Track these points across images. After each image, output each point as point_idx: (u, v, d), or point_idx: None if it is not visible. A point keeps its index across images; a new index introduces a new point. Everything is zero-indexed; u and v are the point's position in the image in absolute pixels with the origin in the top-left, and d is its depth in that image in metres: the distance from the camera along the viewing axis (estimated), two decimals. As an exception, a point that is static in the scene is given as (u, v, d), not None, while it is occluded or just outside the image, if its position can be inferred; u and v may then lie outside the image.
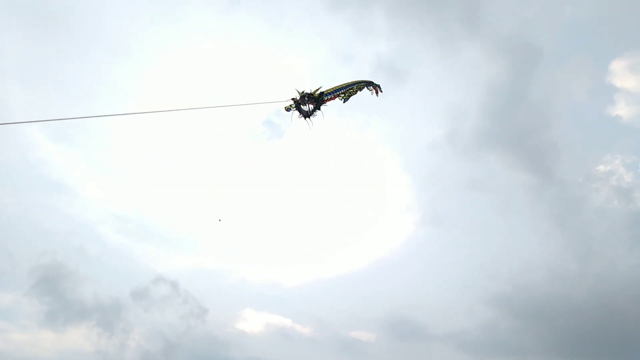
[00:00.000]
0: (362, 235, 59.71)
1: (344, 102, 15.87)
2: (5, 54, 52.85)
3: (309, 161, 60.03)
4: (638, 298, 43.22)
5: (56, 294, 46.92)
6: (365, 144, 60.37)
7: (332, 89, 15.70)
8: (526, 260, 51.93)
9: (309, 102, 14.95)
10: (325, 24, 58.68)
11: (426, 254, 56.47)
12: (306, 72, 59.59)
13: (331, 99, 15.51)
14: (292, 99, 14.85)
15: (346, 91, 16.18)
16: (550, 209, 53.25)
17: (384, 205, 61.08)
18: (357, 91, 16.49)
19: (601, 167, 55.47)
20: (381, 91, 17.32)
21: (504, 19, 58.98)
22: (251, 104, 13.41)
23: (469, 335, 49.79)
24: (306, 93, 14.90)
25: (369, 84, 17.28)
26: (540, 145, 55.58)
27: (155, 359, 47.16)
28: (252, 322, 55.10)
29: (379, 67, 57.29)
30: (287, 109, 14.93)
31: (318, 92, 15.06)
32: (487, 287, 50.70)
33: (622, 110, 57.06)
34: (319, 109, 15.09)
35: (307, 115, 14.96)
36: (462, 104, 58.30)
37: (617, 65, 58.07)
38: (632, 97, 56.80)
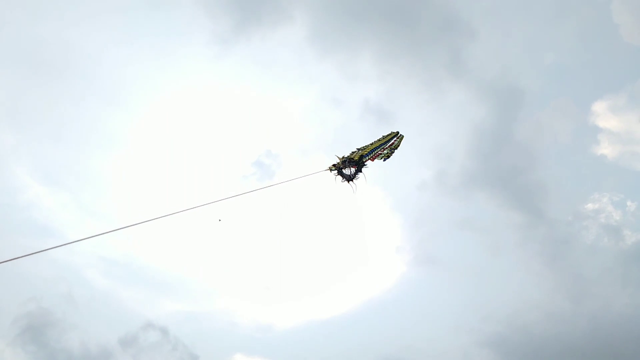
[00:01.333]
0: (353, 276, 58.85)
1: (384, 160, 16.16)
2: (-1, 97, 53.25)
3: (300, 201, 58.73)
4: (633, 337, 43.27)
5: (41, 343, 44.79)
6: (355, 185, 59.03)
7: (369, 147, 15.96)
8: (519, 301, 51.61)
9: (350, 166, 15.13)
10: (314, 69, 59.89)
11: (418, 295, 55.97)
12: (297, 115, 60.86)
13: (371, 159, 15.75)
14: (333, 164, 15.03)
15: (382, 149, 16.46)
16: (540, 248, 53.45)
17: (375, 246, 60.41)
18: (394, 149, 16.73)
19: (589, 206, 56.26)
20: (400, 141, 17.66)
21: (488, 63, 61.06)
22: (292, 180, 13.53)
23: (464, 379, 48.79)
24: (347, 157, 15.06)
25: (398, 136, 17.56)
26: (528, 184, 56.19)
27: (145, 409, 45.16)
28: (244, 368, 53.92)
29: (367, 110, 58.37)
30: (331, 170, 15.11)
31: (358, 155, 15.29)
32: (481, 328, 50.39)
33: (606, 149, 58.45)
34: (361, 171, 15.23)
35: (349, 179, 15.07)
36: (450, 146, 59.16)
37: (599, 107, 60.02)
38: (614, 136, 58.54)
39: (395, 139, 17.26)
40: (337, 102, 58.92)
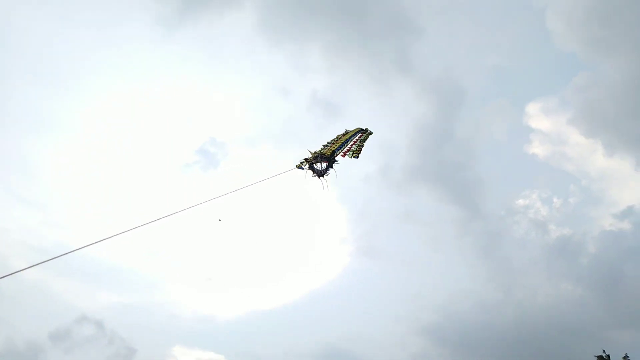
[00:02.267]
0: (297, 267, 60.02)
1: (356, 157, 16.01)
2: None
3: (245, 192, 58.30)
4: (555, 324, 46.04)
5: None
6: (300, 176, 59.54)
7: (337, 143, 15.76)
8: (455, 290, 53.91)
9: (321, 161, 14.77)
10: (263, 59, 59.82)
11: (361, 285, 56.98)
12: (244, 104, 60.94)
13: (342, 154, 15.60)
14: (305, 159, 14.71)
15: (354, 143, 16.39)
16: (476, 240, 56.02)
17: (320, 237, 61.12)
18: (362, 145, 16.66)
19: (520, 201, 59.22)
20: (369, 136, 17.65)
21: (433, 61, 64.10)
22: (264, 180, 13.09)
23: (401, 366, 49.44)
24: (318, 153, 14.76)
25: (365, 133, 17.59)
26: (467, 180, 58.25)
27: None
28: (183, 360, 52.04)
29: (315, 102, 58.88)
30: (299, 167, 14.72)
31: (330, 150, 15.03)
32: (419, 317, 52.55)
33: (537, 148, 61.99)
34: (332, 167, 14.90)
35: (320, 174, 14.74)
36: (394, 140, 60.44)
37: (532, 108, 63.85)
38: (545, 137, 62.18)
39: (361, 134, 17.24)
40: (286, 92, 58.43)
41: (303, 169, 14.57)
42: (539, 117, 63.88)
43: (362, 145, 16.63)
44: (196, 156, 59.85)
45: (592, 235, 57.81)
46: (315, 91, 59.09)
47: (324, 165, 14.67)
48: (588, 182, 61.48)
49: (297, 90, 60.70)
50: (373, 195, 59.84)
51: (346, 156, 15.52)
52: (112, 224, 51.76)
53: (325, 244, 62.04)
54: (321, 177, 14.59)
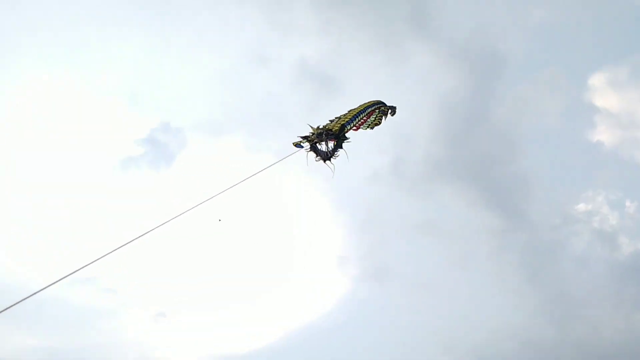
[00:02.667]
0: (279, 297, 48.90)
1: (371, 129, 14.97)
2: None
3: (209, 197, 48.23)
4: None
5: None
6: (284, 176, 49.30)
7: (350, 114, 14.02)
8: (492, 326, 46.34)
9: (327, 139, 13.15)
10: (232, 15, 50.07)
11: (365, 318, 48.96)
12: (207, 77, 50.74)
13: (354, 129, 14.08)
14: (305, 137, 13.09)
15: (368, 116, 14.80)
16: (520, 258, 48.38)
17: (311, 256, 51.11)
18: (380, 119, 15.16)
19: (581, 206, 51.58)
20: (393, 114, 15.74)
21: (461, 20, 53.53)
22: (262, 170, 11.77)
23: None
24: (323, 129, 13.16)
25: (383, 107, 15.53)
26: (506, 178, 50.74)
27: None
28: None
29: (304, 74, 49.82)
30: (297, 145, 13.18)
31: (338, 124, 13.33)
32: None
33: (603, 134, 52.45)
34: (341, 147, 13.33)
35: (326, 157, 13.11)
36: (410, 125, 50.26)
37: (597, 80, 53.05)
38: (615, 118, 52.30)
39: (381, 106, 15.36)
40: (264, 61, 49.73)
41: (302, 147, 13.20)
42: (606, 93, 52.94)
43: (382, 117, 15.07)
44: (142, 147, 49.14)
45: (677, 249, 50.08)
46: (304, 59, 49.77)
47: (331, 144, 13.33)
48: (671, 180, 53.38)
49: (278, 58, 50.86)
50: (382, 198, 50.91)
51: (360, 129, 14.46)
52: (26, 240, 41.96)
53: (317, 266, 53.13)
54: (327, 161, 13.24)
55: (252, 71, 50.43)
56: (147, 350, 45.22)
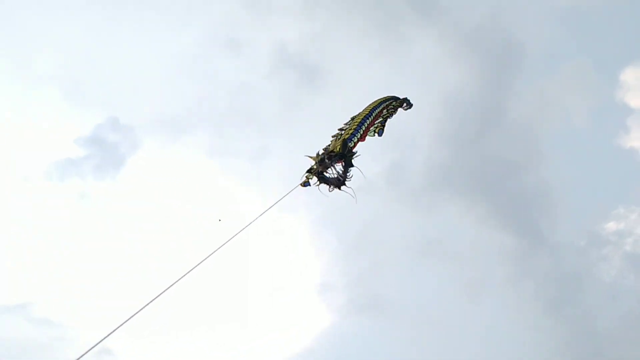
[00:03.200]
0: (249, 334, 42.49)
1: (379, 135, 14.77)
2: None
3: (165, 213, 43.29)
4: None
5: None
6: (257, 185, 44.31)
7: (353, 125, 13.84)
8: None
9: (333, 163, 12.73)
10: None
11: (353, 357, 44.63)
12: (163, 67, 45.35)
13: (361, 140, 13.82)
14: (308, 170, 12.69)
15: (373, 121, 14.57)
16: (540, 287, 44.18)
17: (288, 284, 45.13)
18: (387, 118, 14.97)
19: (611, 225, 47.13)
20: (410, 107, 15.75)
21: (473, 2, 49.00)
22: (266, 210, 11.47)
23: None
24: (324, 154, 12.75)
25: (393, 102, 15.30)
26: (524, 190, 46.54)
27: None
28: None
29: (284, 62, 45.06)
30: (305, 184, 12.80)
31: (340, 142, 13.03)
32: None
33: (638, 140, 46.79)
34: (352, 165, 12.88)
35: (339, 183, 12.62)
36: (411, 126, 44.11)
37: (630, 76, 47.48)
38: None
39: (392, 101, 15.26)
40: (235, 46, 44.44)
41: (310, 185, 12.84)
42: None
43: (391, 113, 14.92)
44: (85, 148, 43.17)
45: None
46: (283, 45, 45.00)
47: (339, 166, 12.86)
48: None
49: (253, 43, 45.54)
50: (376, 214, 44.73)
51: (367, 137, 14.17)
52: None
53: (297, 294, 50.29)
54: (342, 187, 12.83)
55: (221, 57, 45.50)
56: None
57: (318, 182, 12.91)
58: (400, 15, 46.83)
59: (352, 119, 14.54)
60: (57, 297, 37.72)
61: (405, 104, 15.71)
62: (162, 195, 40.54)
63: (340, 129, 14.15)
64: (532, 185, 46.29)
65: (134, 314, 8.49)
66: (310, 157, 13.06)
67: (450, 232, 47.26)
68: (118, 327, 7.80)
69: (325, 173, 12.98)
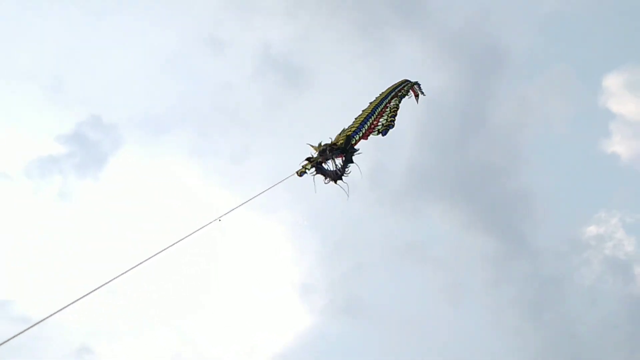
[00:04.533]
0: (225, 333, 42.20)
1: (383, 134, 14.01)
2: None
3: (147, 211, 42.73)
4: None
5: None
6: (239, 184, 43.99)
7: (357, 121, 13.57)
8: None
9: (333, 157, 12.52)
10: None
11: (335, 358, 43.94)
12: (147, 63, 45.35)
13: (364, 137, 13.36)
14: (308, 159, 12.40)
15: (379, 116, 14.00)
16: (520, 292, 44.01)
17: (267, 285, 44.72)
18: (395, 111, 14.33)
19: (592, 229, 47.04)
20: (422, 93, 15.49)
21: (455, 7, 48.72)
22: (265, 191, 11.35)
23: None
24: (326, 145, 12.59)
25: (405, 86, 14.97)
26: (506, 195, 46.36)
27: None
28: None
29: (267, 63, 44.76)
30: (301, 174, 12.43)
31: (343, 137, 12.90)
32: None
33: (620, 145, 47.73)
34: (352, 162, 12.67)
35: (336, 176, 12.38)
36: (393, 130, 45.37)
37: (612, 82, 48.03)
38: (632, 127, 47.51)
39: (401, 87, 14.92)
40: (219, 45, 43.91)
41: (307, 173, 12.50)
42: (623, 97, 47.98)
43: (395, 113, 14.19)
44: (67, 146, 42.02)
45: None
46: (267, 45, 44.70)
47: (338, 161, 12.66)
48: (697, 200, 52.28)
49: (236, 43, 45.00)
50: (357, 217, 44.02)
51: (371, 135, 13.66)
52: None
53: (278, 295, 49.80)
54: (338, 181, 12.64)
55: (204, 56, 45.06)
56: None
57: (315, 172, 12.81)
58: (384, 18, 46.51)
59: (356, 118, 14.48)
60: (37, 296, 35.81)
61: (414, 93, 15.23)
62: (144, 194, 39.81)
63: (344, 129, 14.07)
64: (513, 189, 45.87)
65: (89, 293, 8.17)
66: (312, 146, 13.01)
67: (431, 236, 46.91)
68: (67, 306, 7.50)
69: (323, 164, 12.86)
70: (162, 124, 43.62)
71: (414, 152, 46.00)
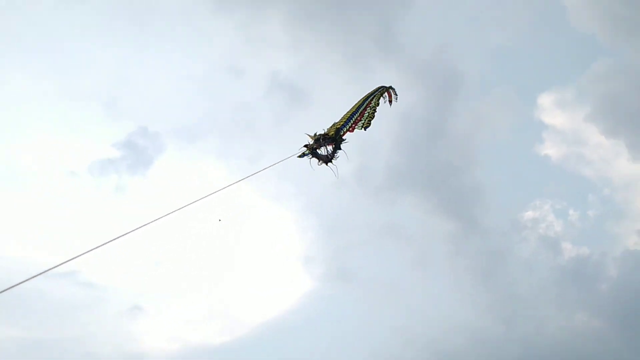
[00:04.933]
0: (247, 294, 49.67)
1: (365, 129, 14.48)
2: None
3: (183, 203, 47.47)
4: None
5: None
6: (253, 180, 49.32)
7: (344, 117, 14.25)
8: (447, 323, 47.08)
9: (326, 144, 13.61)
10: (206, 26, 49.12)
11: (330, 315, 49.25)
12: (182, 85, 50.13)
13: (350, 130, 14.12)
14: (305, 145, 13.58)
15: (361, 114, 14.55)
16: (473, 261, 49.53)
17: (278, 256, 51.88)
18: (374, 109, 14.77)
19: (529, 214, 52.50)
20: (395, 95, 15.45)
21: (423, 40, 54.43)
22: (263, 170, 11.96)
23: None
24: (320, 135, 13.61)
25: (381, 91, 15.31)
26: (463, 187, 51.59)
27: None
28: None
29: (275, 85, 49.63)
30: (301, 156, 13.66)
31: (334, 129, 13.75)
32: (403, 355, 45.09)
33: (550, 149, 54.48)
34: (340, 149, 13.75)
35: (327, 160, 13.58)
36: (374, 136, 50.60)
37: (545, 100, 55.46)
38: (560, 135, 54.56)
39: (385, 95, 15.12)
40: (237, 72, 49.17)
41: (306, 156, 13.72)
42: (553, 111, 54.83)
43: (372, 113, 14.57)
44: (121, 150, 47.24)
45: (614, 255, 49.99)
46: (275, 72, 49.15)
47: (330, 148, 13.75)
48: (610, 192, 52.80)
49: (251, 70, 50.00)
50: (347, 204, 51.89)
51: (355, 130, 14.21)
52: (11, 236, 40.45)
53: (285, 264, 53.22)
54: (329, 164, 13.73)
55: (227, 80, 49.98)
56: (123, 342, 44.30)
57: (310, 156, 13.72)
58: (367, 50, 50.17)
59: (343, 116, 14.80)
60: (98, 266, 39.41)
61: (389, 95, 15.26)
62: (182, 188, 43.33)
63: (334, 123, 14.43)
64: (468, 183, 50.62)
65: (104, 244, 8.62)
66: (309, 135, 13.73)
67: (404, 219, 50.96)
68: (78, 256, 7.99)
69: (318, 150, 13.71)
70: (195, 133, 48.29)
71: (391, 154, 50.56)
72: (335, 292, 48.85)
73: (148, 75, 48.38)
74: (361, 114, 14.72)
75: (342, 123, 14.19)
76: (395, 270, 50.02)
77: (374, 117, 14.59)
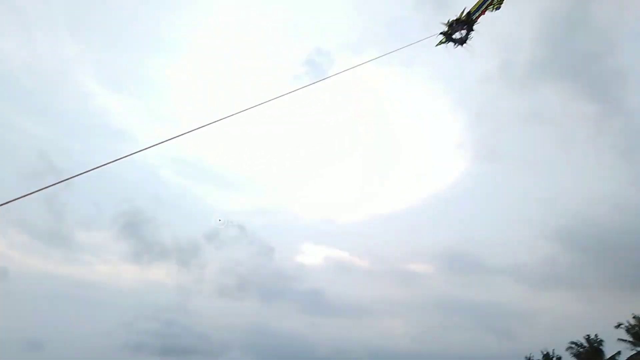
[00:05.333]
0: (413, 173, 59.88)
1: (496, 10, 14.10)
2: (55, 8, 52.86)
3: (355, 99, 61.94)
4: None
5: (139, 237, 53.96)
6: (412, 81, 60.09)
7: (477, 3, 14.00)
8: (589, 195, 49.75)
9: (459, 28, 13.75)
10: None
11: (481, 190, 55.83)
12: (342, 7, 60.62)
13: (481, 14, 14.02)
14: (441, 32, 13.71)
15: None
16: (615, 140, 51.80)
17: (436, 142, 59.89)
18: None
19: None
20: None
21: None
22: (393, 51, 12.55)
23: (527, 269, 50.54)
24: (453, 20, 13.68)
25: None
26: (604, 72, 51.64)
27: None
28: (312, 256, 59.46)
29: None
30: (440, 44, 13.86)
31: (466, 13, 13.76)
32: (547, 222, 50.50)
33: None
34: (473, 30, 13.81)
35: (462, 42, 13.83)
36: (515, 33, 52.98)
37: None
38: None
39: None
40: None
41: (444, 43, 13.72)
42: None
43: None
44: (304, 67, 60.19)
45: None
46: None
47: (464, 31, 13.67)
48: None
49: None
50: (491, 96, 56.69)
51: (487, 12, 13.88)
52: (230, 135, 56.12)
53: (441, 149, 60.66)
54: (464, 45, 13.68)
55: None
56: (319, 209, 64.03)
57: (447, 41, 13.72)
58: None
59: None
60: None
61: None
62: (350, 89, 54.10)
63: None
64: (611, 68, 52.19)
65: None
66: (444, 24, 13.76)
67: (547, 105, 55.70)
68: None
69: (452, 35, 13.71)
70: (357, 48, 58.52)
71: (532, 48, 55.44)
72: (484, 171, 55.99)
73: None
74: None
75: (475, 7, 13.81)
76: (539, 150, 55.43)
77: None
